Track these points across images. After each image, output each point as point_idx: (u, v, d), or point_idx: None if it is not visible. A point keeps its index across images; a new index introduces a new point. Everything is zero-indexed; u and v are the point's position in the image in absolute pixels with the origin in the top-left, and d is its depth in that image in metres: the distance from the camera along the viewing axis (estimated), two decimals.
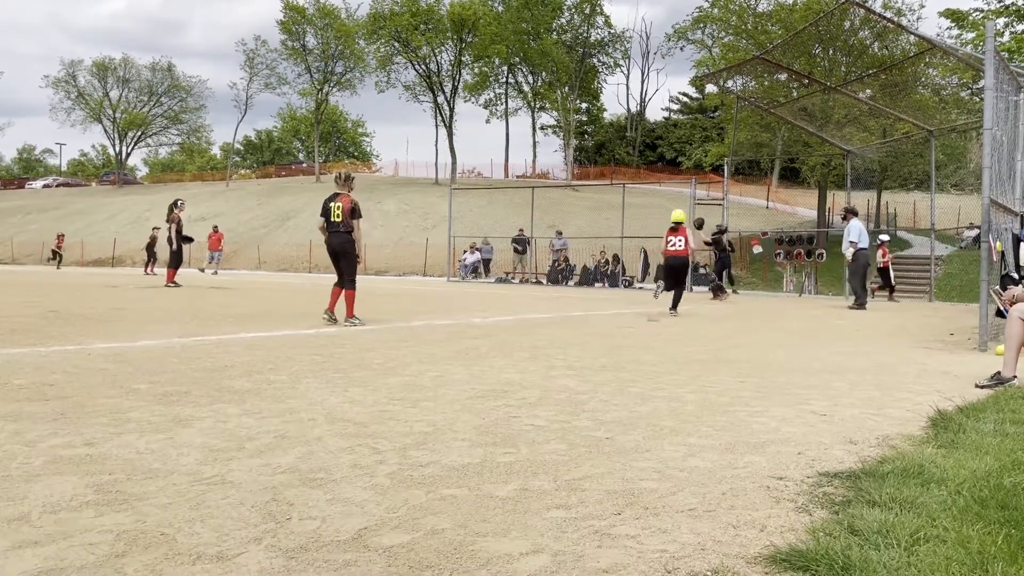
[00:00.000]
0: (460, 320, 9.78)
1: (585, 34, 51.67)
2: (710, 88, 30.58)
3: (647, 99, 71.86)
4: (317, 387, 4.34)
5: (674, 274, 11.90)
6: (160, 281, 17.42)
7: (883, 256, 19.41)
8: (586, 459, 2.91)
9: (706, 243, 18.74)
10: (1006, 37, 22.15)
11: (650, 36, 79.79)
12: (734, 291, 19.64)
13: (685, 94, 61.74)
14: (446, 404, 3.94)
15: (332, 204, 8.35)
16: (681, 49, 47.05)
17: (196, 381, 4.41)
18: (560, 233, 27.02)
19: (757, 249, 23.61)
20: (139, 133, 65.98)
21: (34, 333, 6.70)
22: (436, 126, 52.53)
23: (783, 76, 23.89)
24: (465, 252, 28.41)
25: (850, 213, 15.15)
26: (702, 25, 40.18)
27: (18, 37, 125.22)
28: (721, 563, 1.91)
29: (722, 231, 19.45)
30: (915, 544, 1.96)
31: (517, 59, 51.82)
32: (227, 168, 64.50)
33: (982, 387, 4.86)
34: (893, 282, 19.56)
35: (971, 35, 22.86)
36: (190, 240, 17.35)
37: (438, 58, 50.43)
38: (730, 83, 23.77)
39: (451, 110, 51.38)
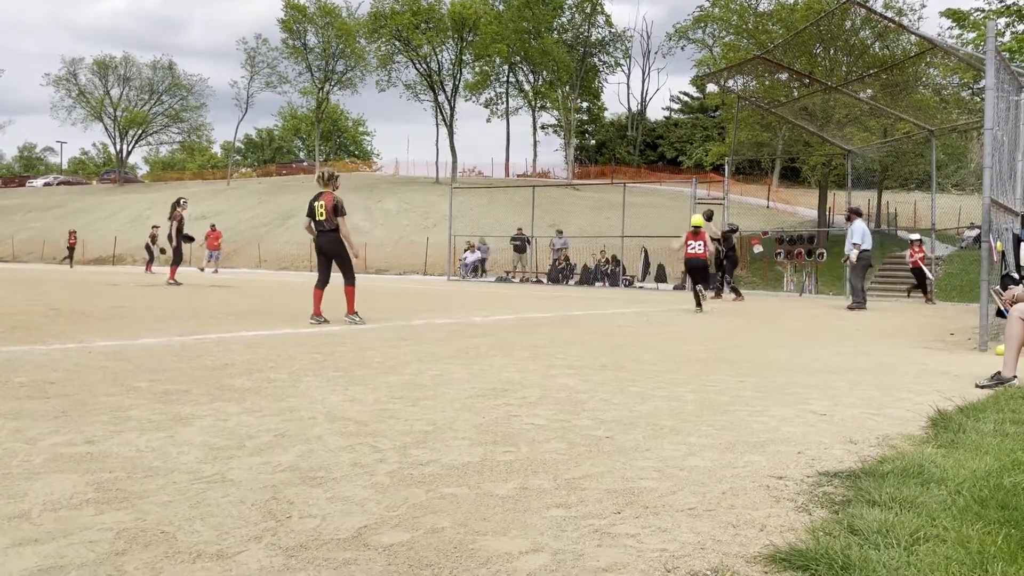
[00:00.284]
0: (460, 319, 9.78)
1: (586, 33, 51.70)
2: (711, 88, 30.54)
3: (648, 98, 72.06)
4: (317, 385, 4.34)
5: (695, 275, 12.88)
6: (161, 279, 17.44)
7: (914, 255, 18.51)
8: (586, 458, 2.91)
9: (718, 238, 18.56)
10: (1007, 37, 22.17)
11: (651, 35, 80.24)
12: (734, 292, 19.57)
13: (686, 93, 61.84)
14: (446, 403, 3.94)
15: (316, 203, 8.34)
16: (682, 48, 47.18)
17: (196, 379, 4.41)
18: (560, 232, 26.97)
19: (758, 249, 23.59)
20: (140, 131, 66.09)
21: (35, 331, 6.70)
22: (437, 125, 52.67)
23: (784, 76, 23.88)
24: (466, 251, 28.40)
25: (854, 214, 15.07)
26: (703, 24, 40.26)
27: (18, 36, 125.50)
28: (721, 562, 1.91)
29: (733, 230, 19.35)
30: (915, 544, 1.96)
31: (518, 58, 51.83)
32: (228, 167, 64.52)
33: (982, 387, 4.86)
34: (929, 285, 18.38)
35: (972, 35, 22.88)
36: (190, 239, 17.33)
37: (439, 57, 50.54)
38: (731, 82, 23.74)
39: (452, 109, 51.45)
